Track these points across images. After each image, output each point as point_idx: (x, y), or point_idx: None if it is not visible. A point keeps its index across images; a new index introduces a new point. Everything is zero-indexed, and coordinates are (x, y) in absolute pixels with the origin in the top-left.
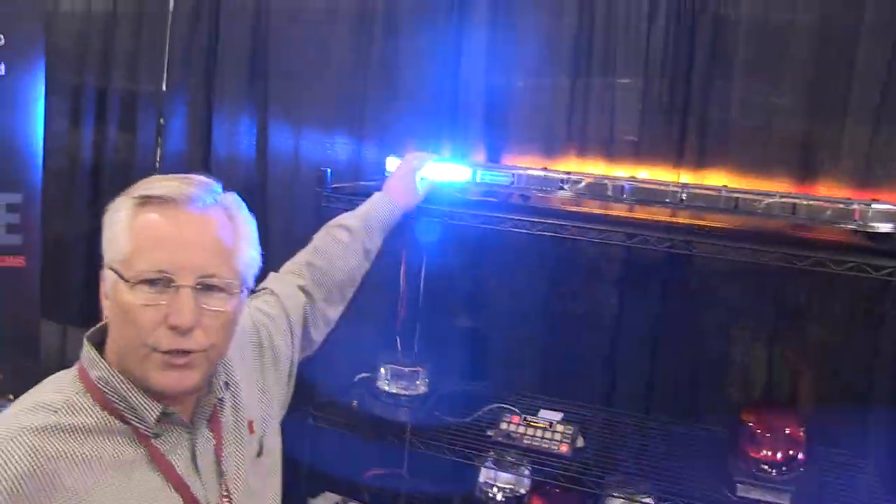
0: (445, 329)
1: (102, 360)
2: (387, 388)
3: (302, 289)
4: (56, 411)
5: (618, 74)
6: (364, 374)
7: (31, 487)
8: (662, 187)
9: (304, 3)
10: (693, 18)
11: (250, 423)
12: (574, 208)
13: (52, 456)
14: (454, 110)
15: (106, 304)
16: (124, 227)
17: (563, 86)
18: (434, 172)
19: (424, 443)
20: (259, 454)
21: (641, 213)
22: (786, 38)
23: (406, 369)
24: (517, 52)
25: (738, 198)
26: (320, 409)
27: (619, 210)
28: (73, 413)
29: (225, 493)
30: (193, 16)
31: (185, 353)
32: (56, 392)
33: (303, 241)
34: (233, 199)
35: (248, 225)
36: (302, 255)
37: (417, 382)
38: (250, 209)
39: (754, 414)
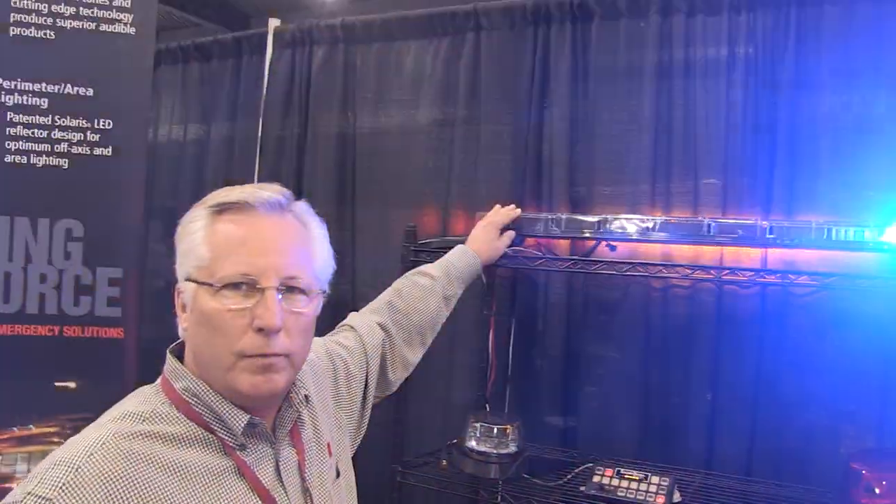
0: (536, 390)
1: (186, 371)
2: (476, 445)
3: (381, 326)
4: (144, 420)
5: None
6: (454, 441)
7: (124, 490)
8: (750, 221)
9: (389, 83)
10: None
11: (328, 446)
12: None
13: (144, 460)
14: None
15: (183, 317)
16: (202, 236)
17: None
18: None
19: (517, 498)
20: (337, 476)
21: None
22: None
23: (496, 427)
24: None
25: (830, 229)
26: (409, 468)
27: (709, 256)
28: (160, 422)
29: None
30: (280, 140)
31: (271, 356)
32: (141, 404)
33: None
34: (304, 205)
35: (320, 228)
36: (383, 296)
37: (508, 441)
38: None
39: (866, 462)
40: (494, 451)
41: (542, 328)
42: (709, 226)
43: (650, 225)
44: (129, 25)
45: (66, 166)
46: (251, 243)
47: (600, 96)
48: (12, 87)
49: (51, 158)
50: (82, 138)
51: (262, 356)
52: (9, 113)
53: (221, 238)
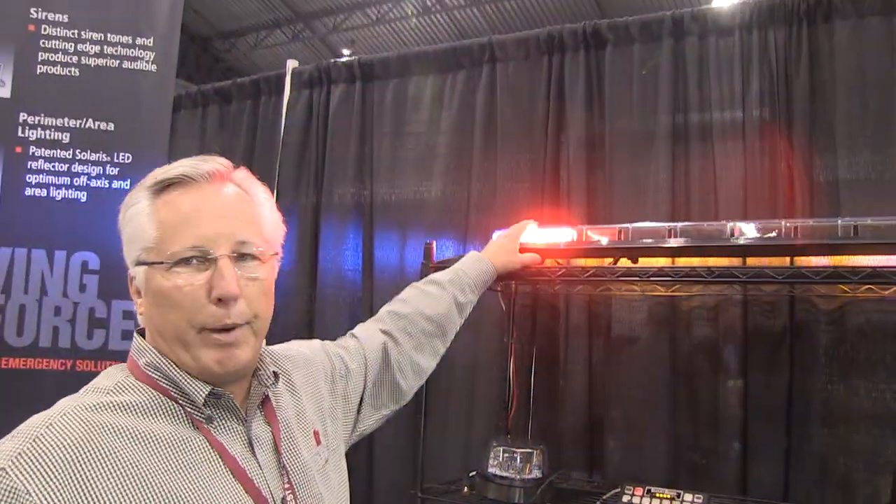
0: (560, 417)
1: (149, 346)
2: (499, 471)
3: (384, 331)
4: (108, 392)
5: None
6: (474, 472)
7: (87, 457)
8: (774, 224)
9: (407, 117)
10: None
11: (316, 433)
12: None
13: (106, 429)
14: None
15: (139, 302)
16: (146, 216)
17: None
18: (538, 235)
19: None
20: (326, 463)
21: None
22: None
23: (518, 451)
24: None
25: (857, 225)
26: (430, 494)
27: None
28: (124, 392)
29: (288, 486)
30: (303, 135)
31: (232, 328)
32: (105, 378)
33: None
34: (245, 172)
35: (264, 193)
36: (388, 305)
37: (531, 466)
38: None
39: None
40: (518, 477)
41: (564, 354)
42: (732, 230)
43: (675, 231)
44: (150, 63)
45: (84, 199)
46: (197, 215)
47: (616, 121)
48: (36, 122)
49: (70, 191)
50: (101, 172)
51: (225, 330)
52: (31, 147)
53: (165, 215)
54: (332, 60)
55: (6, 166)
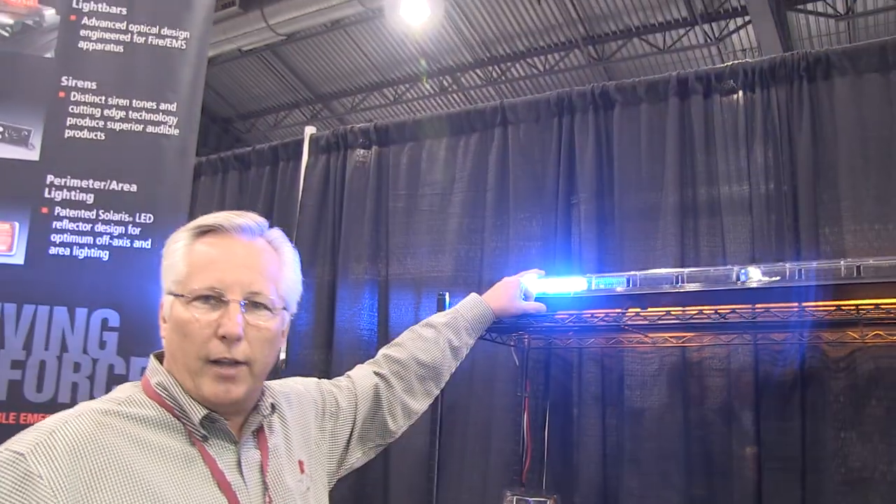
0: (574, 471)
1: (162, 369)
2: None
3: (377, 373)
4: (120, 403)
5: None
6: None
7: (93, 452)
8: (778, 267)
9: (421, 179)
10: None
11: (300, 463)
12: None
13: (115, 431)
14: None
15: (164, 327)
16: (181, 255)
17: None
18: (546, 285)
19: None
20: (307, 490)
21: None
22: None
23: (532, 500)
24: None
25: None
26: None
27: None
28: (133, 405)
29: (269, 503)
30: (320, 197)
31: (233, 364)
32: (119, 392)
33: None
34: (278, 233)
35: (291, 254)
36: (384, 349)
37: None
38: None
39: None
40: None
41: (578, 408)
42: (738, 274)
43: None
44: (173, 127)
45: (106, 258)
46: (221, 261)
47: (625, 179)
48: (62, 183)
49: (93, 251)
50: (123, 231)
51: (226, 364)
52: (57, 208)
53: (196, 257)
54: (349, 126)
55: (32, 227)
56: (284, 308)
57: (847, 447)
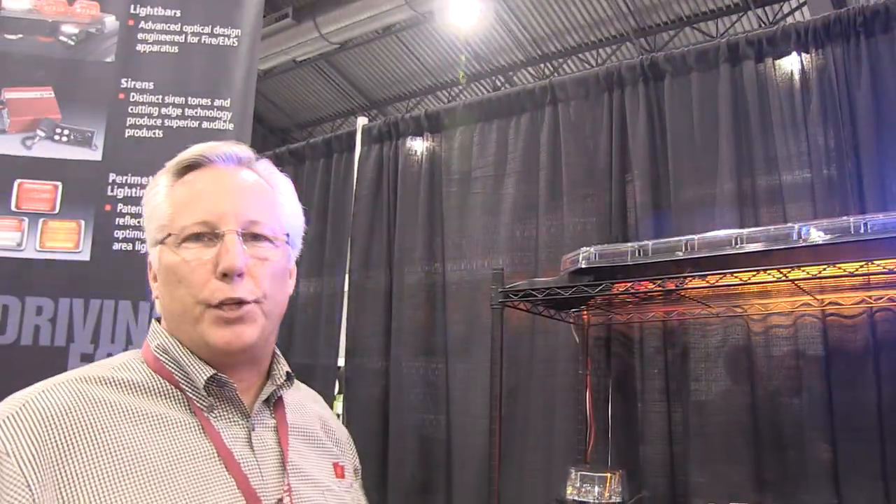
0: (639, 447)
1: (162, 330)
2: (578, 496)
3: None
4: (111, 368)
5: None
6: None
7: (67, 425)
8: (842, 222)
9: (474, 163)
10: None
11: (338, 466)
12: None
13: (96, 401)
14: None
15: (154, 286)
16: (164, 196)
17: None
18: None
19: None
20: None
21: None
22: None
23: (597, 475)
24: None
25: None
26: None
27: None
28: (125, 371)
29: (287, 489)
30: (375, 187)
31: (239, 304)
32: (115, 358)
33: None
34: (267, 162)
35: (286, 184)
36: None
37: (610, 490)
38: None
39: None
40: (597, 501)
41: (641, 384)
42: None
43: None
44: (228, 122)
45: None
46: (209, 193)
47: (679, 152)
48: (123, 181)
49: None
50: None
51: (232, 305)
52: (119, 205)
53: (180, 194)
54: (401, 115)
55: (97, 224)
56: (287, 242)
57: None
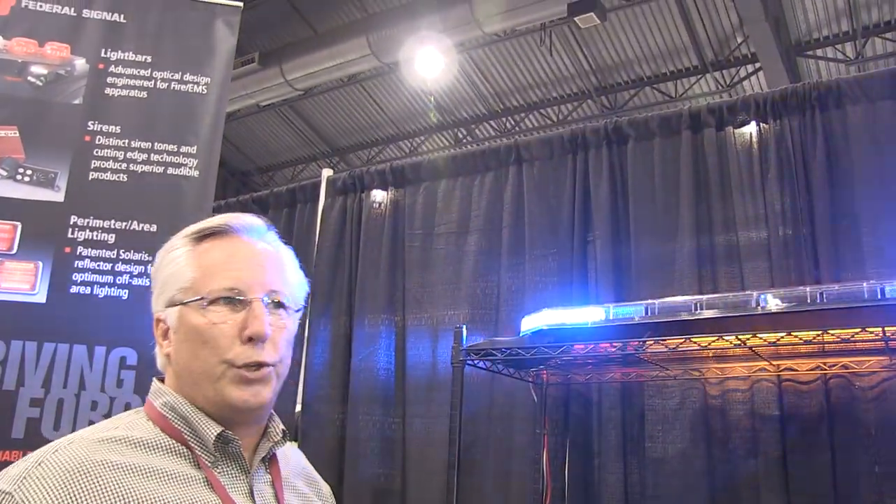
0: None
1: (167, 389)
2: None
3: None
4: (117, 427)
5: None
6: None
7: (84, 480)
8: (798, 292)
9: (437, 218)
10: None
11: None
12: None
13: (107, 458)
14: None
15: (165, 344)
16: (185, 260)
17: None
18: (563, 317)
19: None
20: None
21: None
22: None
23: None
24: None
25: (885, 286)
26: None
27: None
28: (132, 429)
29: None
30: (338, 238)
31: (259, 366)
32: (118, 419)
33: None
34: (275, 233)
35: (291, 255)
36: None
37: None
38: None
39: None
40: None
41: (598, 444)
42: (758, 299)
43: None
44: (193, 169)
45: (125, 297)
46: (235, 261)
47: (641, 213)
48: (85, 224)
49: (112, 289)
50: (143, 270)
51: (254, 366)
52: (79, 247)
53: (206, 259)
54: (365, 168)
55: (55, 266)
56: (297, 310)
57: (883, 482)
